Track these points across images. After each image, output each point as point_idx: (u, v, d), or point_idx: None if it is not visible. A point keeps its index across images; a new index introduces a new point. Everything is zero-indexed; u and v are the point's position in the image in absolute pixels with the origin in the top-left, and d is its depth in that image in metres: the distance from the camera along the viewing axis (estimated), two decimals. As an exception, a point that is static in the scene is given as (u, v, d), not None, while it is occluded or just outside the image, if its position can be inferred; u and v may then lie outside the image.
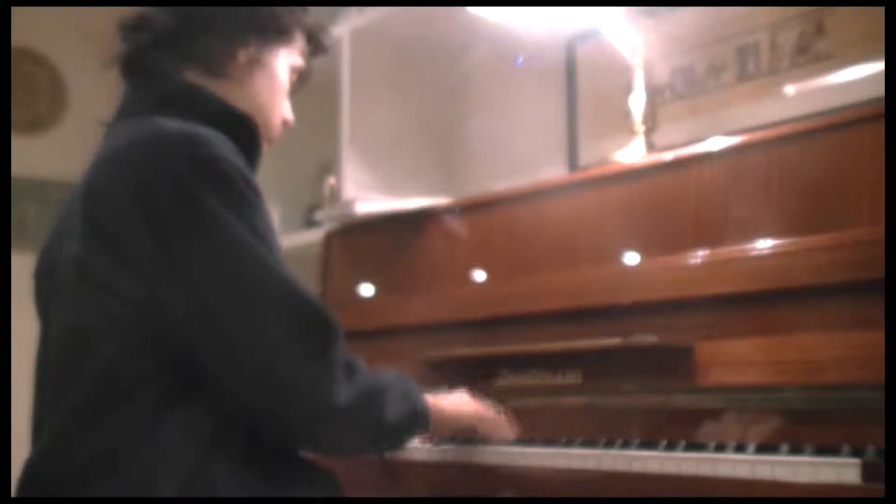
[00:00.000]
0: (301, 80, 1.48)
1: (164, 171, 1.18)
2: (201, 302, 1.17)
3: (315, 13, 1.47)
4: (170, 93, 1.31)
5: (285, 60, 1.42)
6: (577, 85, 2.34)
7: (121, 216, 1.18)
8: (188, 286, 1.17)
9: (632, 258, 1.66)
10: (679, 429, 1.40)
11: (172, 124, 1.23)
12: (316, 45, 1.48)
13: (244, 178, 1.21)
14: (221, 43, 1.35)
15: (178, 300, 1.17)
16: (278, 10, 1.39)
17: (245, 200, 1.20)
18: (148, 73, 1.34)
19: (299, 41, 1.44)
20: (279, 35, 1.39)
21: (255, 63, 1.37)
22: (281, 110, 1.43)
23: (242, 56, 1.36)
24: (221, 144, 1.22)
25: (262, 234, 1.20)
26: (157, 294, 1.17)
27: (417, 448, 1.54)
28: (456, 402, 1.47)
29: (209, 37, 1.34)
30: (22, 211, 3.23)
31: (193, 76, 1.34)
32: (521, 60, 2.40)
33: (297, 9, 1.43)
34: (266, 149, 1.42)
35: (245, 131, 1.33)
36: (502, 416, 1.52)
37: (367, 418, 1.25)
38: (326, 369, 1.20)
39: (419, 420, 1.34)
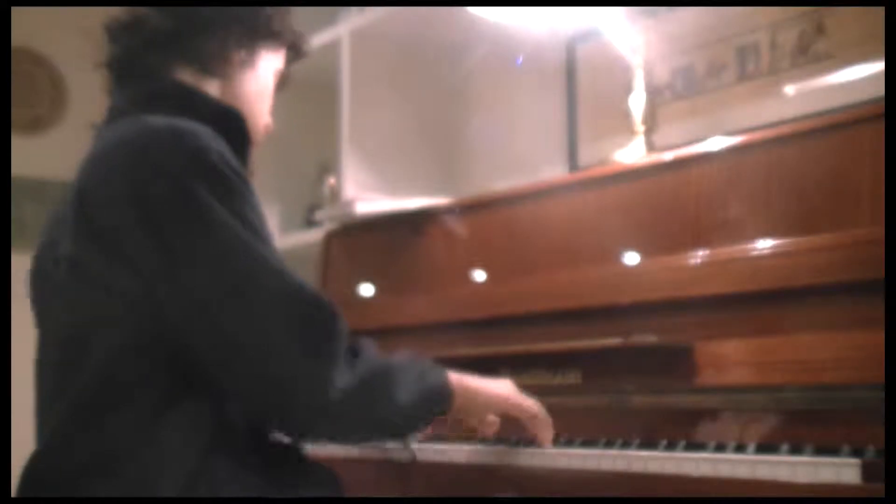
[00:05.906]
0: (280, 84, 1.48)
1: (156, 167, 1.18)
2: (197, 298, 1.17)
3: (315, 13, 1.48)
4: (159, 91, 1.32)
5: (271, 63, 1.43)
6: (577, 85, 2.33)
7: (115, 214, 1.18)
8: (184, 282, 1.17)
9: (632, 258, 1.66)
10: (679, 429, 1.40)
11: (160, 120, 1.23)
12: (295, 50, 1.48)
13: (234, 170, 1.21)
14: (218, 43, 1.35)
15: (174, 297, 1.17)
16: (272, 12, 1.40)
17: (236, 192, 1.20)
18: (138, 74, 1.34)
19: (284, 46, 1.45)
20: (269, 38, 1.41)
21: (246, 64, 1.39)
22: (265, 114, 1.44)
23: (236, 57, 1.37)
24: (209, 137, 1.22)
25: (256, 227, 1.20)
26: (154, 291, 1.17)
27: (419, 448, 1.54)
28: (494, 384, 1.38)
29: (206, 37, 1.35)
30: (21, 211, 3.23)
31: (185, 75, 1.34)
32: (521, 60, 2.40)
33: (285, 9, 1.43)
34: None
35: (235, 127, 1.34)
36: (545, 415, 1.42)
37: (373, 402, 1.22)
38: (327, 360, 1.18)
39: (437, 399, 1.29)
